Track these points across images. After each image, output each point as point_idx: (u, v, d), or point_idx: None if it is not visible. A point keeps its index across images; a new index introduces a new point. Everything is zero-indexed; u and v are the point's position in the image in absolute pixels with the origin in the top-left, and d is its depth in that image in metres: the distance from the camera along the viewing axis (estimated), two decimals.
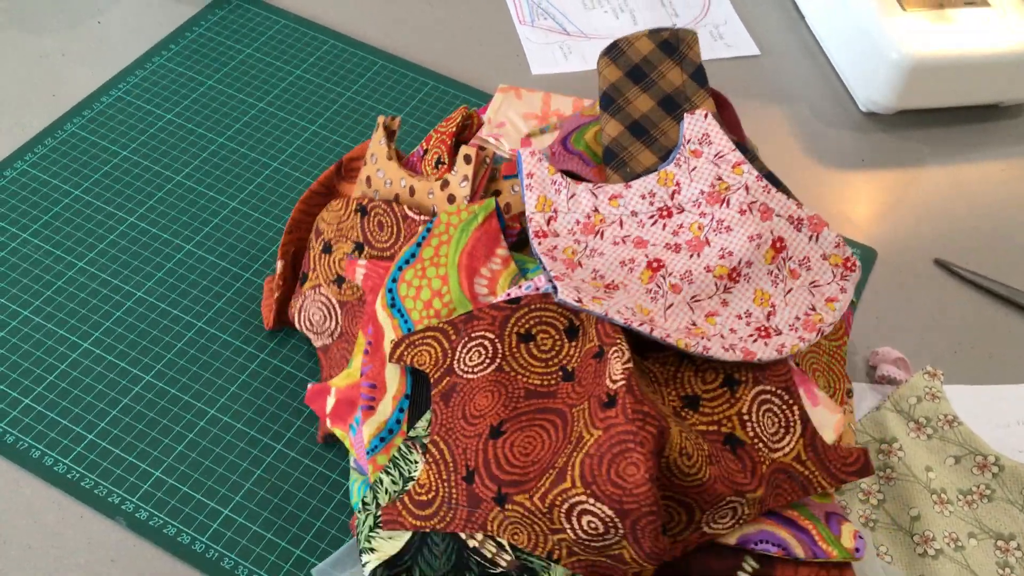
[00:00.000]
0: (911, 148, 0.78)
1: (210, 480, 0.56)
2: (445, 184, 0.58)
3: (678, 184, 0.56)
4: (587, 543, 0.44)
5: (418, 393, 0.53)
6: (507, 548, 0.47)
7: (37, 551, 0.54)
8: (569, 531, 0.44)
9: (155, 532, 0.54)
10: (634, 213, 0.56)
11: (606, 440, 0.43)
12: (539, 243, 0.54)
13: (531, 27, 0.86)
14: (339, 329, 0.59)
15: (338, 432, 0.55)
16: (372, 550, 0.49)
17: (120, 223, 0.68)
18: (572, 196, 0.56)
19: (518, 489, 0.45)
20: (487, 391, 0.49)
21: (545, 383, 0.49)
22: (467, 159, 0.57)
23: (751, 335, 0.50)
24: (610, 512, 0.42)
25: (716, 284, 0.52)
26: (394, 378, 0.53)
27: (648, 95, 0.60)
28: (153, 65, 0.79)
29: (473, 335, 0.51)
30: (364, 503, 0.51)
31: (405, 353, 0.52)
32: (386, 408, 0.53)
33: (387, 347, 0.53)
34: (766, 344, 0.50)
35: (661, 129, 0.59)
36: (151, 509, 0.55)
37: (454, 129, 0.60)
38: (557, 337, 0.51)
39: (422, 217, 0.58)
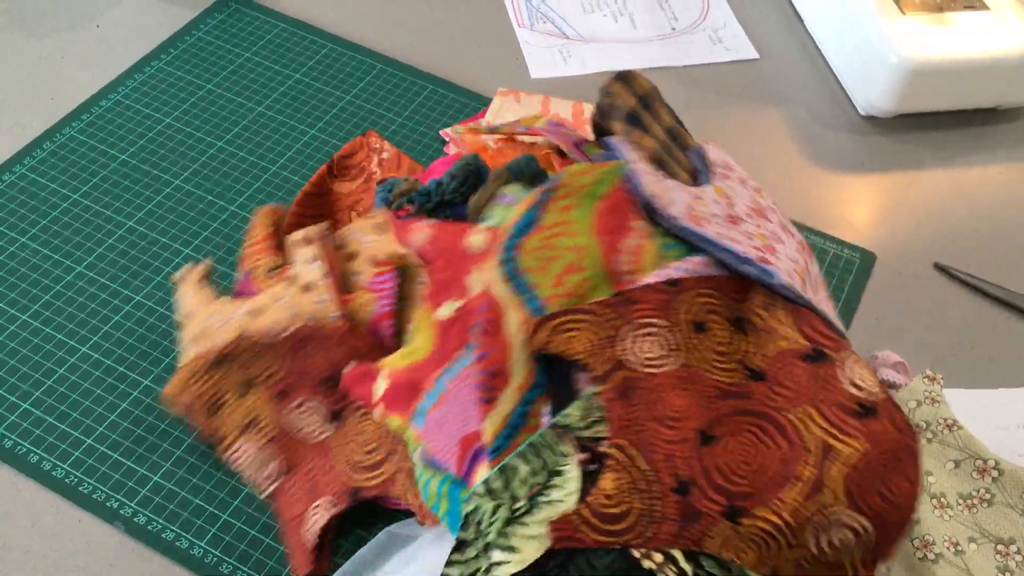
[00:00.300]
0: (910, 151, 0.78)
1: (208, 484, 0.56)
2: (292, 280, 0.55)
3: (728, 198, 0.54)
4: (824, 560, 0.41)
5: (554, 386, 0.46)
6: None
7: (35, 555, 0.53)
8: (812, 547, 0.41)
9: (153, 536, 0.54)
10: (715, 215, 0.52)
11: (874, 452, 0.41)
12: (679, 219, 0.48)
13: (530, 30, 0.86)
14: (278, 469, 0.55)
15: (394, 421, 0.49)
16: (512, 549, 0.41)
17: (119, 227, 0.68)
18: (670, 189, 0.52)
19: (754, 503, 0.41)
20: (679, 389, 0.44)
21: (734, 381, 0.45)
22: (307, 240, 0.55)
23: None
24: (868, 525, 0.40)
25: (802, 284, 0.50)
26: (520, 366, 0.46)
27: (657, 124, 0.60)
28: (152, 69, 0.79)
29: (640, 322, 0.45)
30: (491, 489, 0.43)
31: (552, 339, 0.45)
32: (508, 400, 0.46)
33: (511, 328, 0.46)
34: None
35: (676, 155, 0.59)
36: (149, 514, 0.55)
37: (268, 233, 0.59)
38: (728, 328, 0.46)
39: (288, 332, 0.54)
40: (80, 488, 0.55)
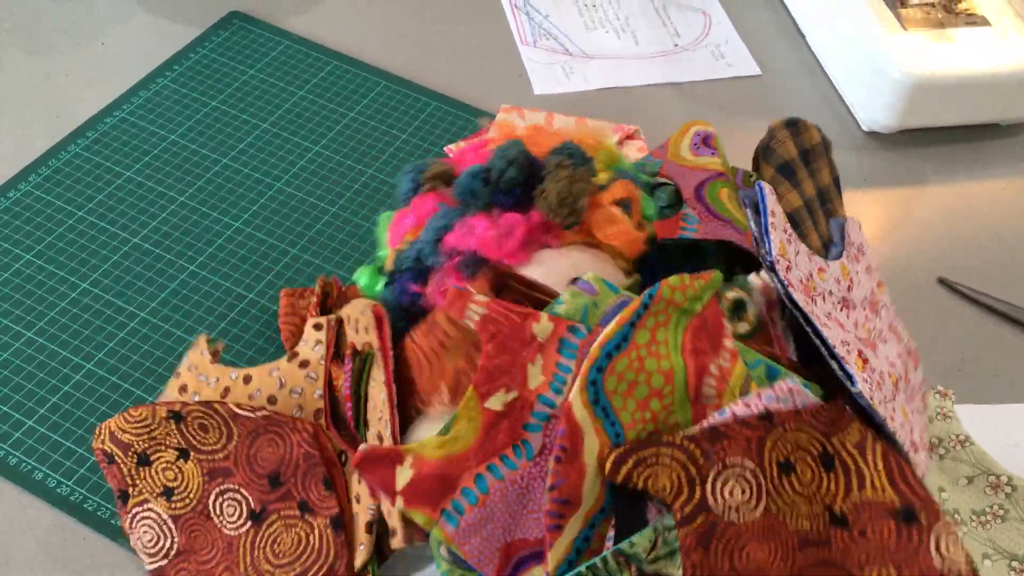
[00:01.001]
0: (913, 167, 0.79)
1: None
2: (293, 356, 0.55)
3: (851, 281, 0.53)
4: None
5: (622, 511, 0.44)
6: None
7: (40, 572, 0.53)
8: None
9: None
10: (830, 293, 0.52)
11: None
12: (797, 296, 0.47)
13: (533, 47, 0.87)
14: (175, 547, 0.52)
15: (419, 517, 0.45)
16: None
17: (124, 243, 0.68)
18: (798, 253, 0.52)
19: None
20: (760, 539, 0.42)
21: (815, 528, 0.43)
22: (317, 327, 0.56)
23: (910, 446, 0.48)
24: None
25: (893, 390, 0.49)
26: (592, 493, 0.44)
27: (811, 181, 0.59)
28: (156, 86, 0.80)
29: (728, 462, 0.43)
30: None
31: (635, 473, 0.43)
32: (575, 526, 0.44)
33: (588, 454, 0.44)
34: (915, 454, 0.48)
35: (817, 218, 0.58)
36: None
37: (315, 300, 0.59)
38: (814, 466, 0.44)
39: (257, 413, 0.52)
40: (85, 505, 0.55)
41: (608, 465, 0.43)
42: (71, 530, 0.55)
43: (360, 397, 0.54)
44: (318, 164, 0.75)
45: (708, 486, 0.43)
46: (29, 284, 0.66)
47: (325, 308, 0.60)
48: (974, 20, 0.79)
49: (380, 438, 0.52)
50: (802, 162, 0.60)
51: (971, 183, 0.78)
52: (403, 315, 0.56)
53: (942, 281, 0.71)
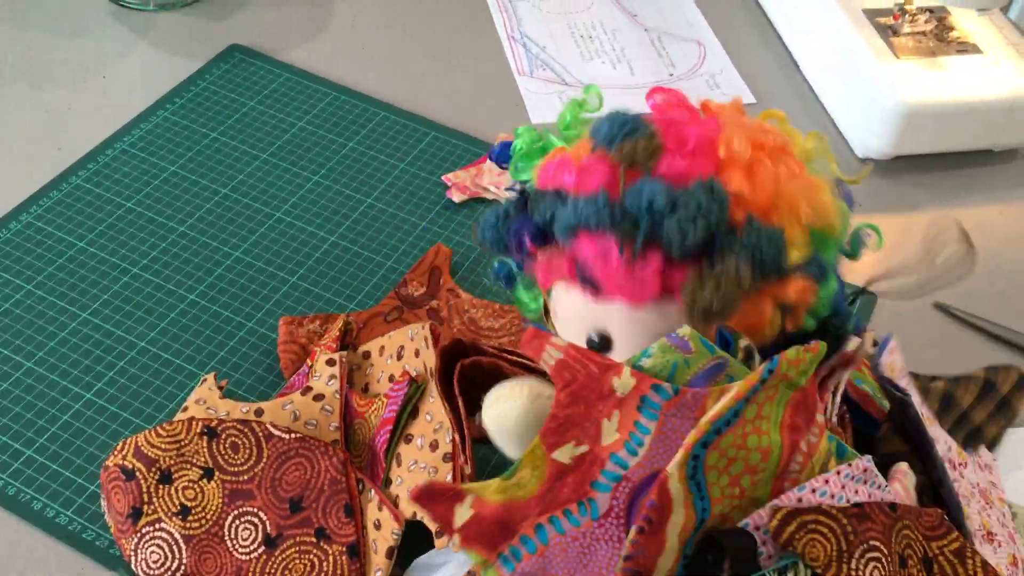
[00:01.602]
0: (907, 193, 0.79)
1: None
2: (307, 390, 0.56)
3: (986, 495, 0.56)
4: None
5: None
6: None
7: None
8: None
9: None
10: (970, 484, 0.55)
11: None
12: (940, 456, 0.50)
13: (530, 77, 0.88)
14: (182, 568, 0.52)
15: (475, 557, 0.44)
16: None
17: (124, 274, 0.69)
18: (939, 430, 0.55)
19: None
20: None
21: None
22: (330, 363, 0.57)
23: None
24: None
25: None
26: (664, 567, 0.42)
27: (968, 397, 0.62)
28: (157, 118, 0.81)
29: (870, 543, 0.42)
30: None
31: (797, 535, 0.41)
32: None
33: (672, 528, 0.42)
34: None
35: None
36: None
37: (337, 334, 0.60)
38: (918, 567, 0.44)
39: (291, 435, 0.53)
40: (83, 535, 0.55)
41: (776, 521, 0.42)
42: (69, 560, 0.55)
43: (400, 422, 0.55)
44: (317, 194, 0.75)
45: (854, 563, 0.42)
46: (29, 314, 0.66)
47: (343, 344, 0.60)
48: (965, 48, 0.80)
49: (434, 446, 0.52)
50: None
51: (965, 209, 0.78)
52: (502, 247, 0.50)
53: (939, 307, 0.71)
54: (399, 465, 0.54)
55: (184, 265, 0.69)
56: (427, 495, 0.43)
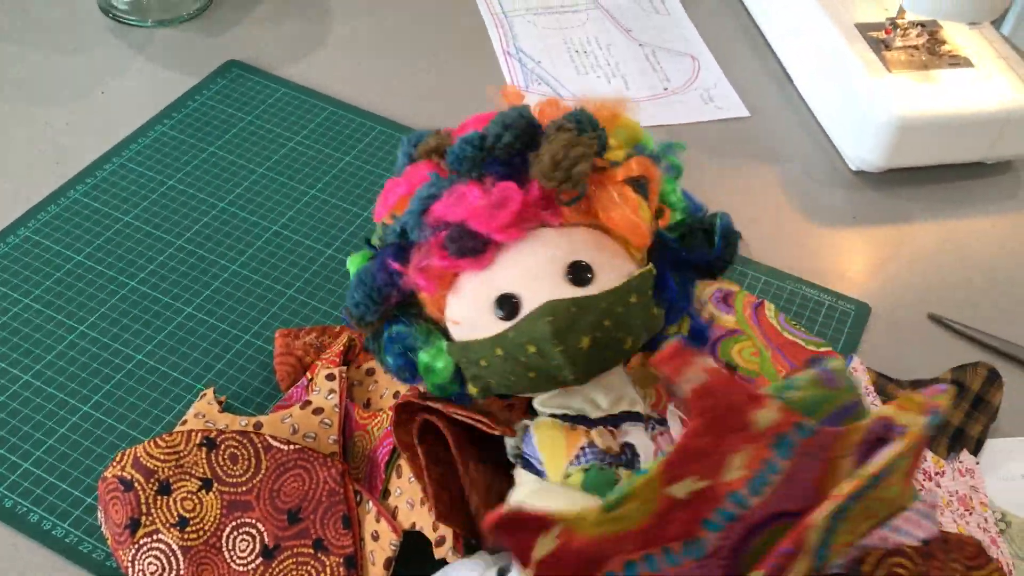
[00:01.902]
0: (901, 205, 0.80)
1: None
2: (306, 404, 0.56)
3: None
4: None
5: None
6: None
7: None
8: None
9: None
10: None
11: None
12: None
13: (526, 92, 0.88)
14: None
15: None
16: None
17: (121, 287, 0.69)
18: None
19: None
20: None
21: None
22: (330, 377, 0.57)
23: None
24: None
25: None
26: None
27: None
28: (155, 133, 0.81)
29: None
30: None
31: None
32: None
33: None
34: None
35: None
36: None
37: (340, 350, 0.60)
38: None
39: (290, 447, 0.53)
40: (80, 547, 0.55)
41: (868, 566, 0.42)
42: (66, 572, 0.55)
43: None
44: (314, 207, 0.76)
45: None
46: (27, 328, 0.66)
47: (345, 360, 0.60)
48: (957, 62, 0.81)
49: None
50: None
51: (958, 220, 0.79)
52: (377, 297, 0.50)
53: (933, 317, 0.71)
54: (399, 476, 0.54)
55: (181, 278, 0.70)
56: (509, 523, 0.38)
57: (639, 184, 0.49)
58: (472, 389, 0.50)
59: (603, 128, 0.49)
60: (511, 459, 0.50)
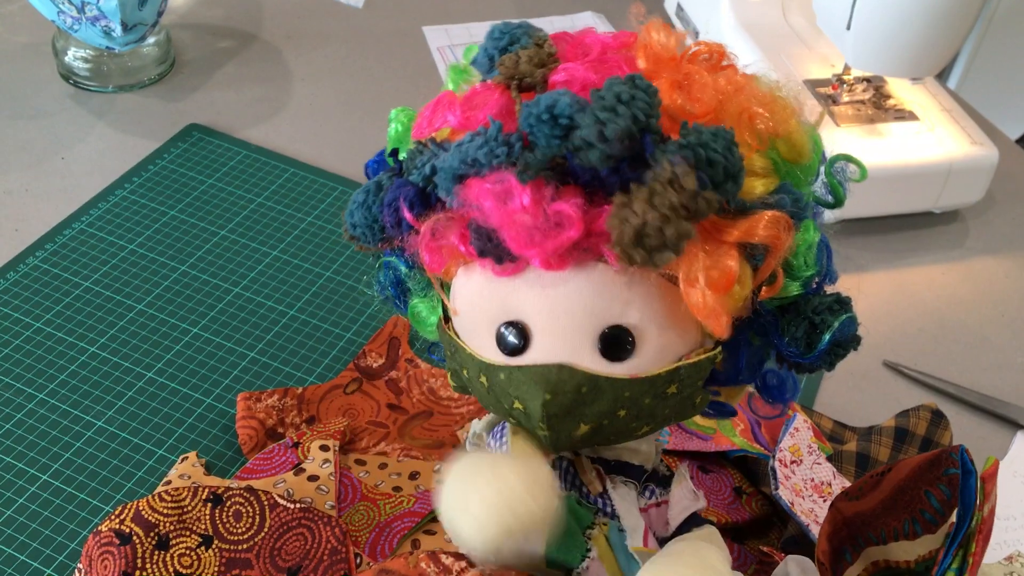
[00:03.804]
0: (854, 255, 0.82)
1: None
2: (300, 471, 0.57)
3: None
4: None
5: None
6: None
7: None
8: None
9: None
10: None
11: None
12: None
13: None
14: None
15: None
16: None
17: (81, 353, 0.68)
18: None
19: None
20: None
21: None
22: (323, 448, 0.58)
23: None
24: None
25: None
26: None
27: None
28: (116, 197, 0.81)
29: None
30: None
31: None
32: None
33: None
34: None
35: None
36: None
37: (340, 430, 0.61)
38: None
39: (296, 505, 0.53)
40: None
41: None
42: None
43: (423, 521, 0.56)
44: (276, 268, 0.76)
45: None
46: None
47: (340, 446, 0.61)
48: (903, 115, 0.84)
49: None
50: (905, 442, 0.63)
51: (910, 269, 0.81)
52: (376, 232, 0.41)
53: (888, 364, 0.73)
54: (415, 548, 0.55)
55: (142, 343, 0.69)
56: None
57: (755, 251, 0.36)
58: (451, 381, 0.42)
59: (740, 163, 0.34)
60: (467, 447, 0.44)
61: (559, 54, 0.38)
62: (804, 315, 0.39)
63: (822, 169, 0.41)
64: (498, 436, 0.42)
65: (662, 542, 0.42)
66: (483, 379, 0.39)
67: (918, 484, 0.44)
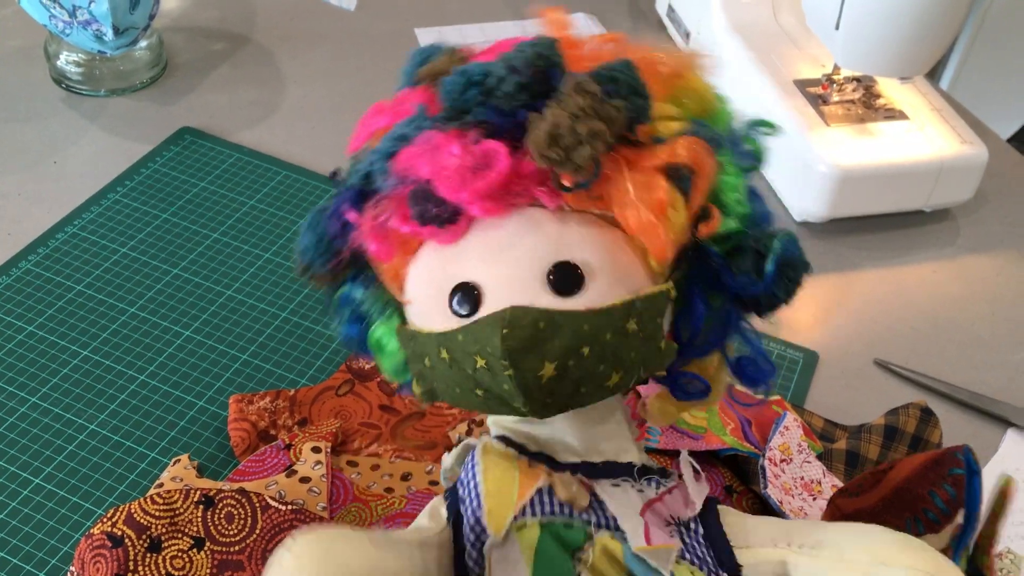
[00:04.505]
0: (845, 254, 0.82)
1: None
2: (292, 473, 0.57)
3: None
4: None
5: None
6: None
7: None
8: None
9: None
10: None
11: None
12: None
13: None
14: None
15: None
16: None
17: (73, 357, 0.69)
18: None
19: None
20: None
21: None
22: (316, 450, 0.59)
23: None
24: None
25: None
26: None
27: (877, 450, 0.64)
28: (108, 201, 0.81)
29: None
30: None
31: None
32: None
33: None
34: None
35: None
36: None
37: (332, 431, 0.62)
38: None
39: (287, 507, 0.53)
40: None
41: None
42: None
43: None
44: (268, 271, 0.76)
45: None
46: None
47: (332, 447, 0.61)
48: (892, 114, 0.84)
49: None
50: (895, 439, 0.63)
51: (901, 268, 0.81)
52: (325, 248, 0.42)
53: (879, 363, 0.73)
54: None
55: (134, 346, 0.70)
56: None
57: (680, 175, 0.38)
58: (416, 388, 0.41)
59: (644, 89, 0.38)
60: (442, 482, 0.43)
61: (470, 55, 0.41)
62: (747, 248, 0.40)
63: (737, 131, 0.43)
64: (468, 467, 0.41)
65: (685, 525, 0.40)
66: (443, 354, 0.38)
67: (921, 483, 0.45)
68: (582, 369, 0.36)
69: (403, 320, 0.42)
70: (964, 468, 0.43)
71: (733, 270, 0.39)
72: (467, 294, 0.38)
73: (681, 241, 0.38)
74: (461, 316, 0.38)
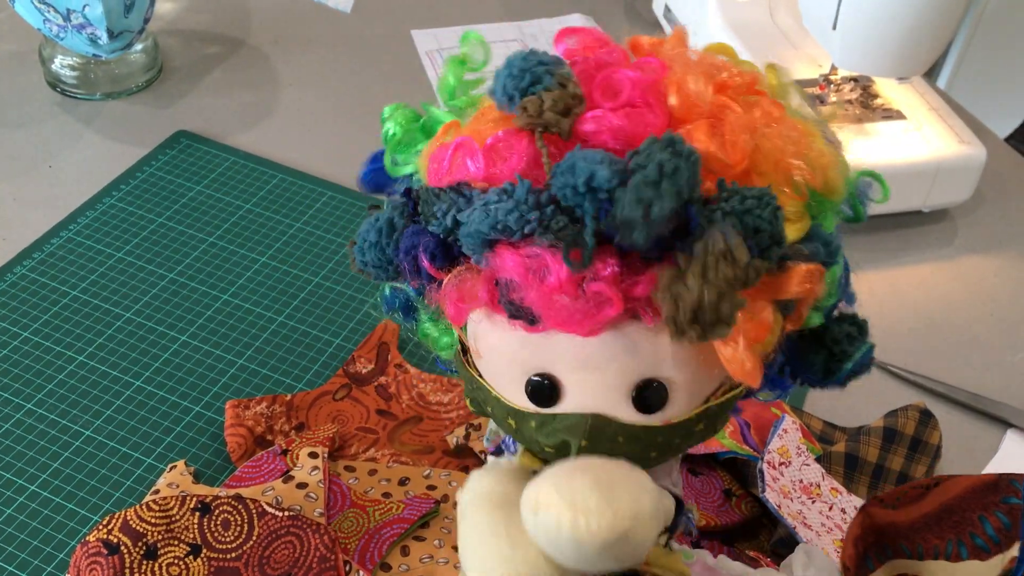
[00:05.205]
0: (845, 255, 0.81)
1: None
2: (289, 479, 0.57)
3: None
4: None
5: None
6: None
7: None
8: None
9: None
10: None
11: None
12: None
13: None
14: None
15: None
16: None
17: (69, 362, 0.68)
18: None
19: None
20: None
21: None
22: (312, 455, 0.59)
23: None
24: None
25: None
26: None
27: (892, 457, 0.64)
28: (104, 205, 0.81)
29: None
30: None
31: None
32: None
33: None
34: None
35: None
36: None
37: (329, 436, 0.61)
38: None
39: (284, 513, 0.53)
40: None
41: None
42: None
43: (412, 528, 0.57)
44: (264, 275, 0.76)
45: None
46: None
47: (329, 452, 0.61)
48: (890, 114, 0.84)
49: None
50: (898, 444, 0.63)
51: (900, 268, 0.81)
52: (388, 272, 0.39)
53: (877, 364, 0.72)
54: (404, 555, 0.55)
55: (130, 351, 0.69)
56: None
57: (786, 305, 0.35)
58: (470, 406, 0.41)
59: (782, 230, 0.34)
60: (485, 444, 0.42)
61: (584, 92, 0.35)
62: (824, 345, 0.38)
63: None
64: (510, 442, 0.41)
65: None
66: (511, 421, 0.38)
67: (972, 506, 0.44)
68: (639, 462, 0.35)
69: (463, 348, 0.40)
70: (1022, 498, 0.42)
71: (802, 361, 0.38)
72: (548, 388, 0.36)
73: (754, 382, 0.35)
74: (537, 403, 0.37)
